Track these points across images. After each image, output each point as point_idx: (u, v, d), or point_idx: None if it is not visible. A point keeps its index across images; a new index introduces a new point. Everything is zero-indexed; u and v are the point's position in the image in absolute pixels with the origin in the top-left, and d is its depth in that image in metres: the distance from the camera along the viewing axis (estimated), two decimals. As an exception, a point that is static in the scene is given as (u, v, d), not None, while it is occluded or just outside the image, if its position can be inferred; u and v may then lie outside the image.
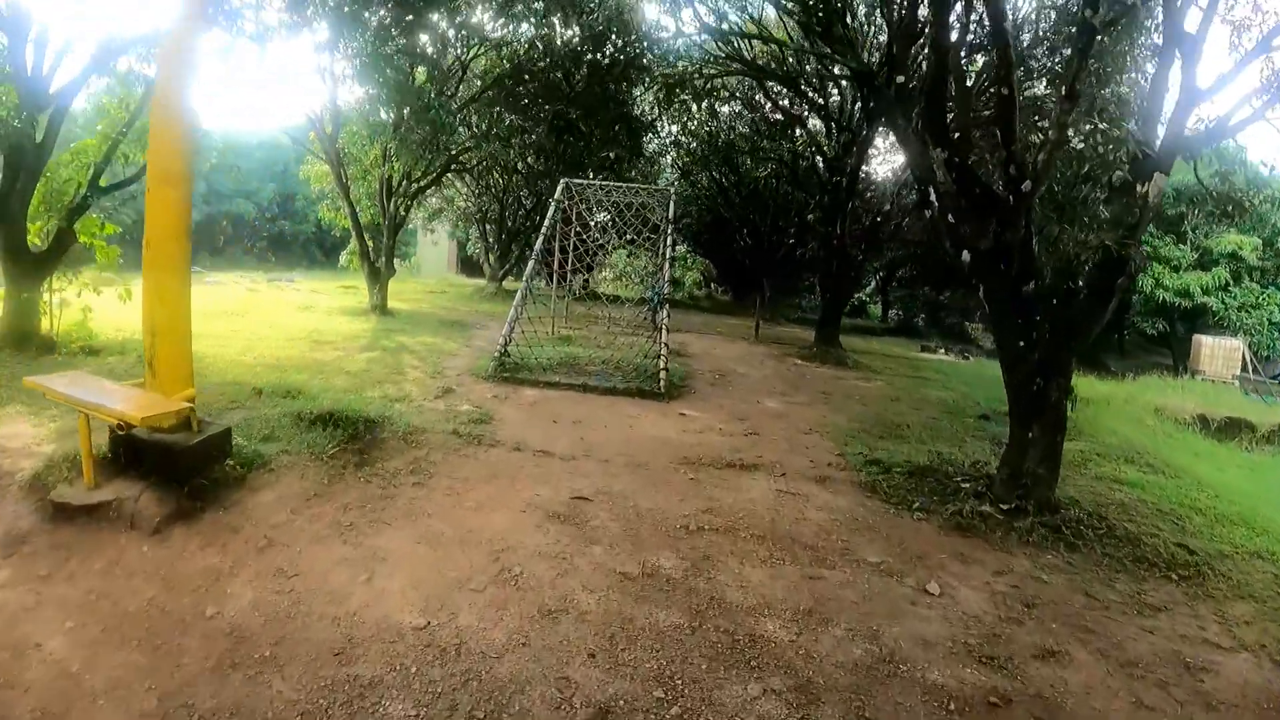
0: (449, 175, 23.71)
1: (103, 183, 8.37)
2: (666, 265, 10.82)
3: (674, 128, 21.96)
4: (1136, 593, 4.43)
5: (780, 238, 23.68)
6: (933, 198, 6.44)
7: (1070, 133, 6.69)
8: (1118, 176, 5.55)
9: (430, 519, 4.54)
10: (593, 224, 12.54)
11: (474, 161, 20.91)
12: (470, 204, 24.96)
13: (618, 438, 6.87)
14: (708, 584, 4.04)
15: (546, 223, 11.42)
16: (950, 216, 6.15)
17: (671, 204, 12.33)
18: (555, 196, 12.15)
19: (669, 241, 11.41)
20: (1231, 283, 21.79)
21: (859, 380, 13.04)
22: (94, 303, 8.45)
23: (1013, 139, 5.71)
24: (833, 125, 14.42)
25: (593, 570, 4.07)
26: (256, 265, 31.54)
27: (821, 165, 15.35)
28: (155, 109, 4.74)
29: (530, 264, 10.60)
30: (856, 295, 34.89)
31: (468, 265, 35.63)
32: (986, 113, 9.79)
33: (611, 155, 19.37)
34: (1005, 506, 5.47)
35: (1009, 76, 5.69)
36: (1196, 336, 20.84)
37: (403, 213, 17.39)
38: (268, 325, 11.74)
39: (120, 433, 4.29)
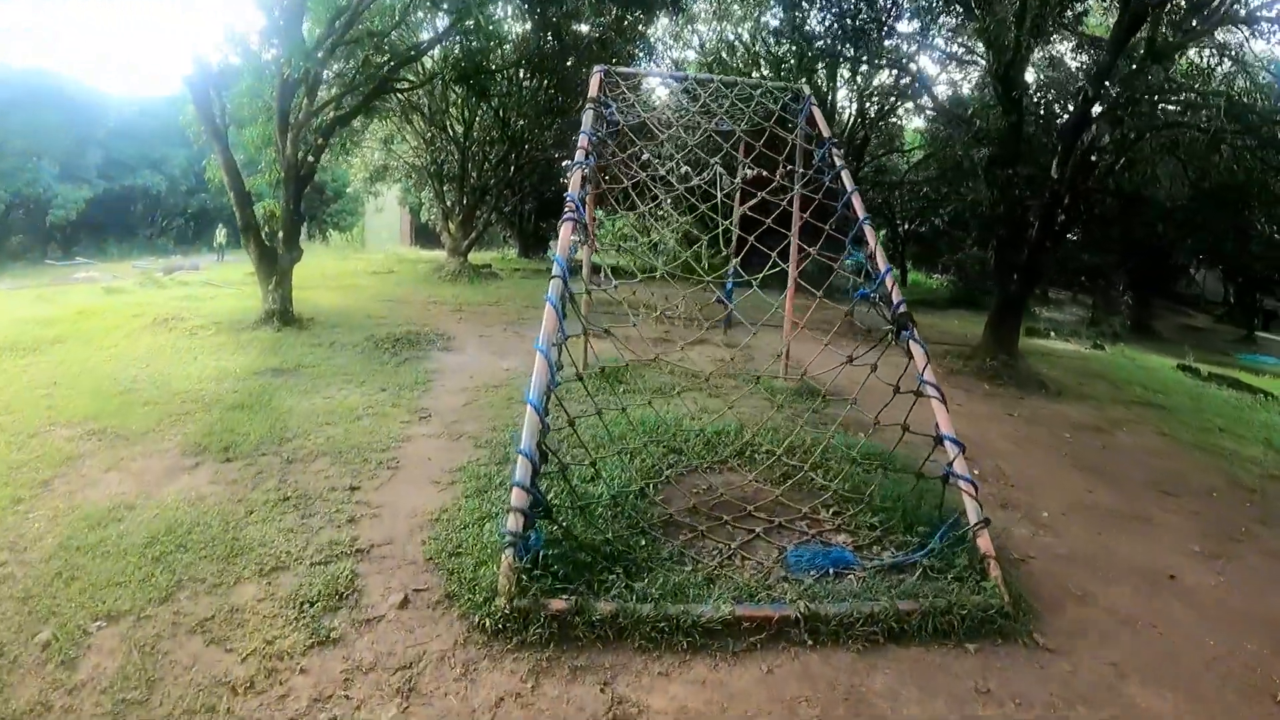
0: (391, 117, 17.11)
1: None
2: (871, 233, 4.75)
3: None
4: None
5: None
6: None
7: None
8: None
9: None
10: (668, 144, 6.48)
11: (418, 90, 14.28)
12: (424, 158, 18.11)
13: None
14: None
15: (582, 141, 5.21)
16: None
17: (817, 113, 6.21)
18: (590, 95, 5.93)
19: (850, 187, 5.35)
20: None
21: (1128, 437, 7.58)
22: None
23: None
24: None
25: None
26: (174, 249, 25.23)
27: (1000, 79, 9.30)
28: None
29: (563, 228, 4.39)
30: (850, 256, 28.34)
31: (424, 235, 28.63)
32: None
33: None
34: None
35: None
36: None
37: (310, 159, 10.85)
38: (48, 382, 5.57)
39: None
